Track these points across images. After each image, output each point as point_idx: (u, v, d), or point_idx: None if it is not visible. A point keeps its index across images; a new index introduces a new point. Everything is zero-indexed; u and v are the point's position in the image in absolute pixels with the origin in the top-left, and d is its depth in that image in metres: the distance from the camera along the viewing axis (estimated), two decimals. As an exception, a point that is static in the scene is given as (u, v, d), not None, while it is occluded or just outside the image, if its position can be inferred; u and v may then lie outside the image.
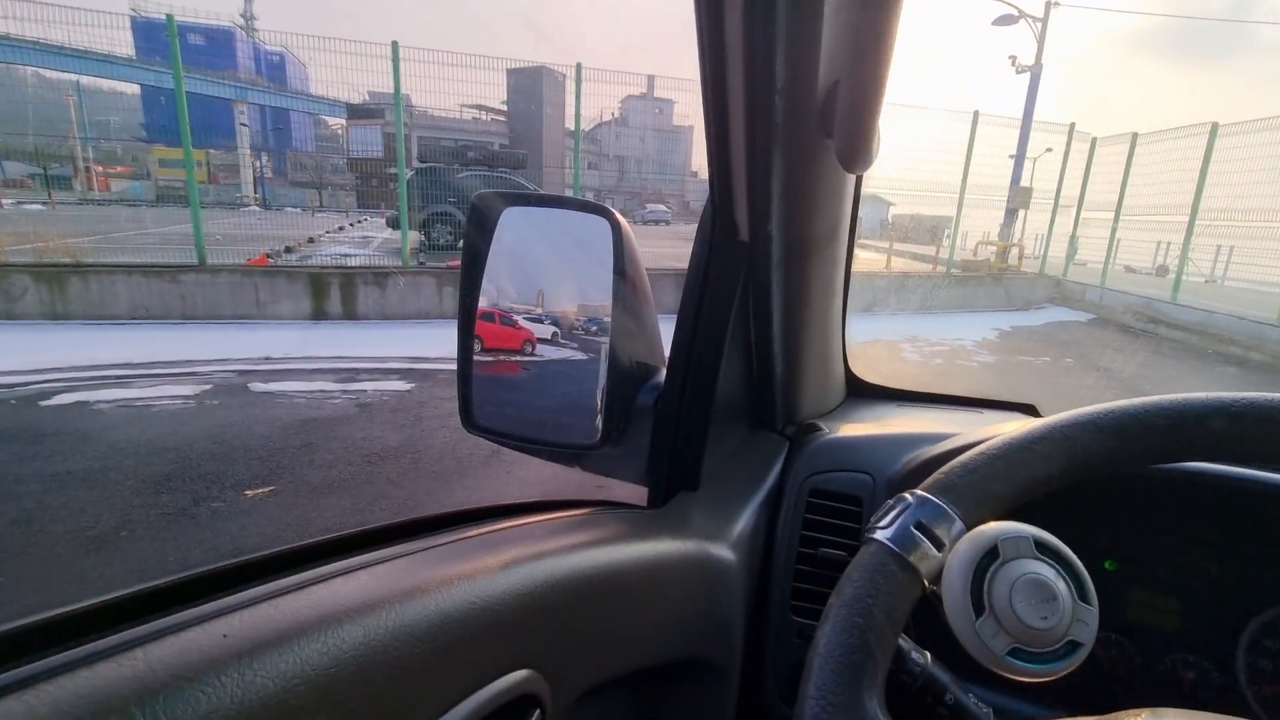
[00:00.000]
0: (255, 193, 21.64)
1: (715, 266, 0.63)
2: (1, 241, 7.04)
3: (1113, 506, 0.63)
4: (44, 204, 19.09)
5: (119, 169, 25.68)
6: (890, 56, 0.42)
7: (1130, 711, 0.30)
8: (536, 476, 3.56)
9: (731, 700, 0.60)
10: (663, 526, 0.57)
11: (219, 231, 10.37)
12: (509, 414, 0.80)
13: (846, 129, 0.43)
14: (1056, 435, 0.39)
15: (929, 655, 0.47)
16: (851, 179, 0.62)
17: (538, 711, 0.38)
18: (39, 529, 2.83)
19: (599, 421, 0.87)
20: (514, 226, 0.79)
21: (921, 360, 7.38)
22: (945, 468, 0.40)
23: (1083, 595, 0.34)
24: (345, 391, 5.00)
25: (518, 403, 0.84)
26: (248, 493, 3.26)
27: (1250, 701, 0.57)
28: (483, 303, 0.79)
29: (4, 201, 18.34)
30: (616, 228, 0.73)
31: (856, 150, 0.44)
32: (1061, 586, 0.34)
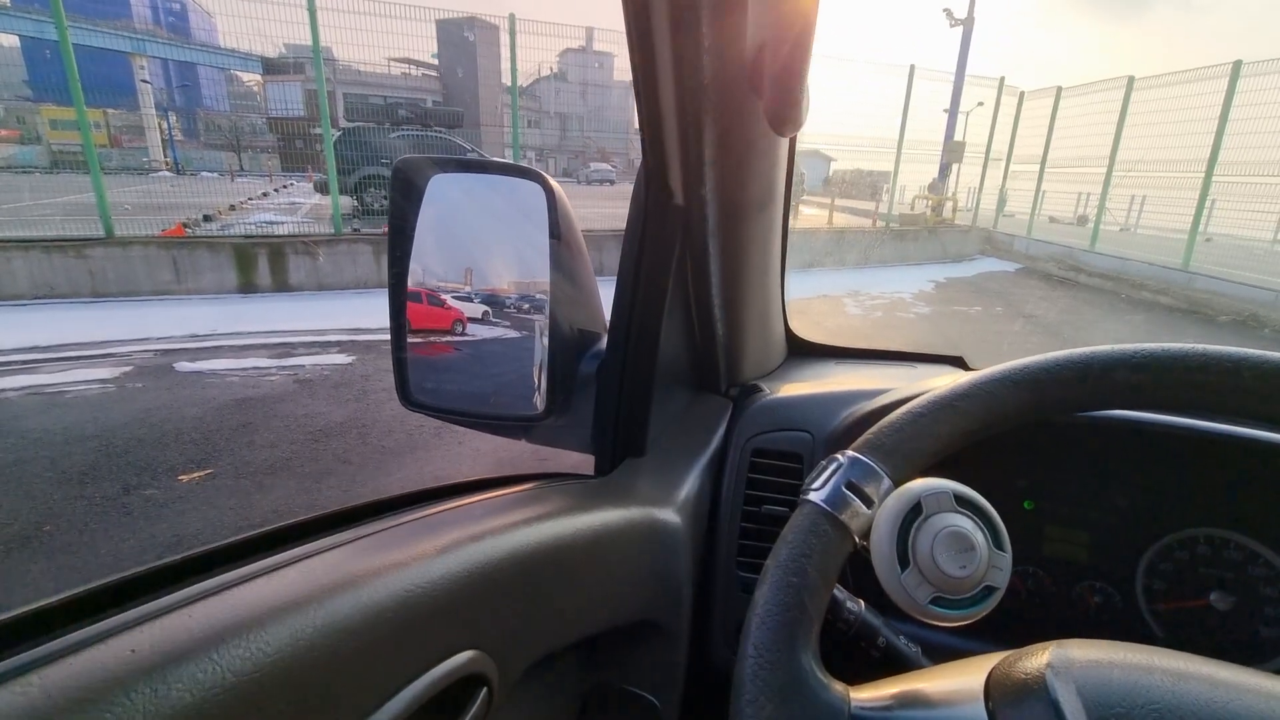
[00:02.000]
0: (165, 156, 19.99)
1: (651, 230, 0.62)
2: None
3: (1032, 451, 0.68)
4: (-84, 172, 17.16)
5: (3, 132, 23.20)
6: (815, 16, 0.41)
7: (1040, 645, 0.32)
8: (489, 446, 3.53)
9: (682, 656, 0.62)
10: (608, 495, 0.58)
11: (127, 200, 9.58)
12: (448, 389, 0.78)
13: (775, 91, 0.42)
14: (977, 392, 0.40)
15: (863, 604, 0.49)
16: (784, 141, 0.61)
17: (485, 690, 0.38)
18: (-52, 529, 2.64)
19: (540, 393, 0.86)
20: (442, 194, 0.76)
21: (863, 314, 7.62)
22: (874, 428, 0.41)
23: (998, 543, 0.37)
24: (282, 367, 4.79)
25: (455, 380, 0.82)
26: (182, 477, 3.11)
27: (1146, 618, 0.63)
28: (408, 281, 0.76)
29: None
30: (550, 192, 0.71)
31: (786, 112, 0.43)
32: (979, 536, 0.36)
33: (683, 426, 0.74)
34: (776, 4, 0.40)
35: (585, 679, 0.56)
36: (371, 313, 6.47)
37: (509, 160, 0.81)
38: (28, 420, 3.73)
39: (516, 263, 0.83)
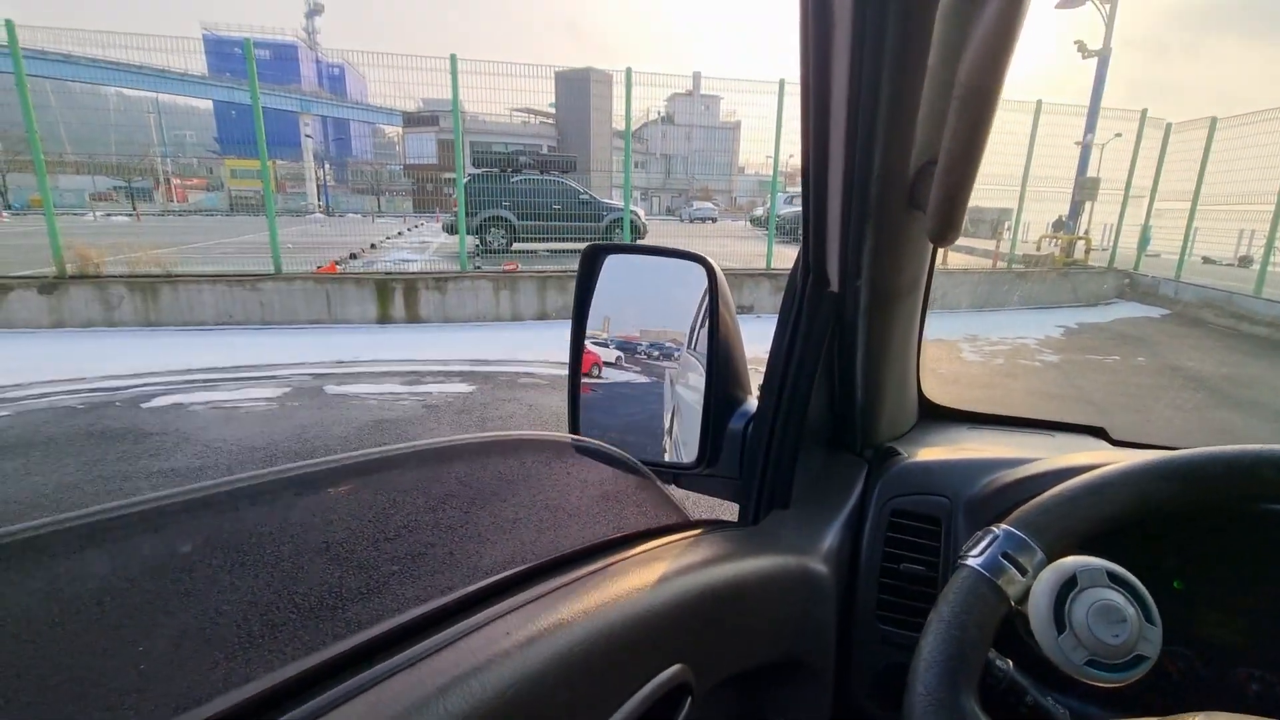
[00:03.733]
0: (319, 200, 22.69)
1: (806, 312, 0.71)
2: (100, 253, 7.65)
3: (1184, 531, 0.68)
4: (129, 215, 20.52)
5: (195, 181, 27.33)
6: (986, 142, 0.45)
7: (1188, 714, 0.37)
8: (597, 479, 3.68)
9: (827, 697, 0.68)
10: (764, 542, 0.66)
11: (288, 240, 10.94)
12: (611, 437, 0.90)
13: (938, 210, 0.50)
14: (1124, 481, 0.45)
15: (1011, 662, 0.54)
16: None
17: (689, 699, 0.47)
18: (152, 521, 3.13)
19: (670, 438, 0.96)
20: (613, 271, 0.89)
21: (981, 360, 7.19)
22: (1027, 506, 0.47)
23: (1148, 618, 0.41)
24: (412, 393, 5.25)
25: (615, 426, 0.94)
26: (330, 491, 3.50)
27: None
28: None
29: (95, 214, 19.82)
30: (712, 273, 0.82)
31: (947, 228, 0.50)
32: (1130, 610, 0.41)
33: (822, 483, 0.81)
34: (949, 131, 0.45)
35: (742, 707, 0.64)
36: (491, 345, 6.95)
37: (678, 247, 0.93)
38: (210, 431, 4.34)
39: (659, 322, 0.95)
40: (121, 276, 7.37)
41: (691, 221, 23.37)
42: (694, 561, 0.54)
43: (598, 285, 0.89)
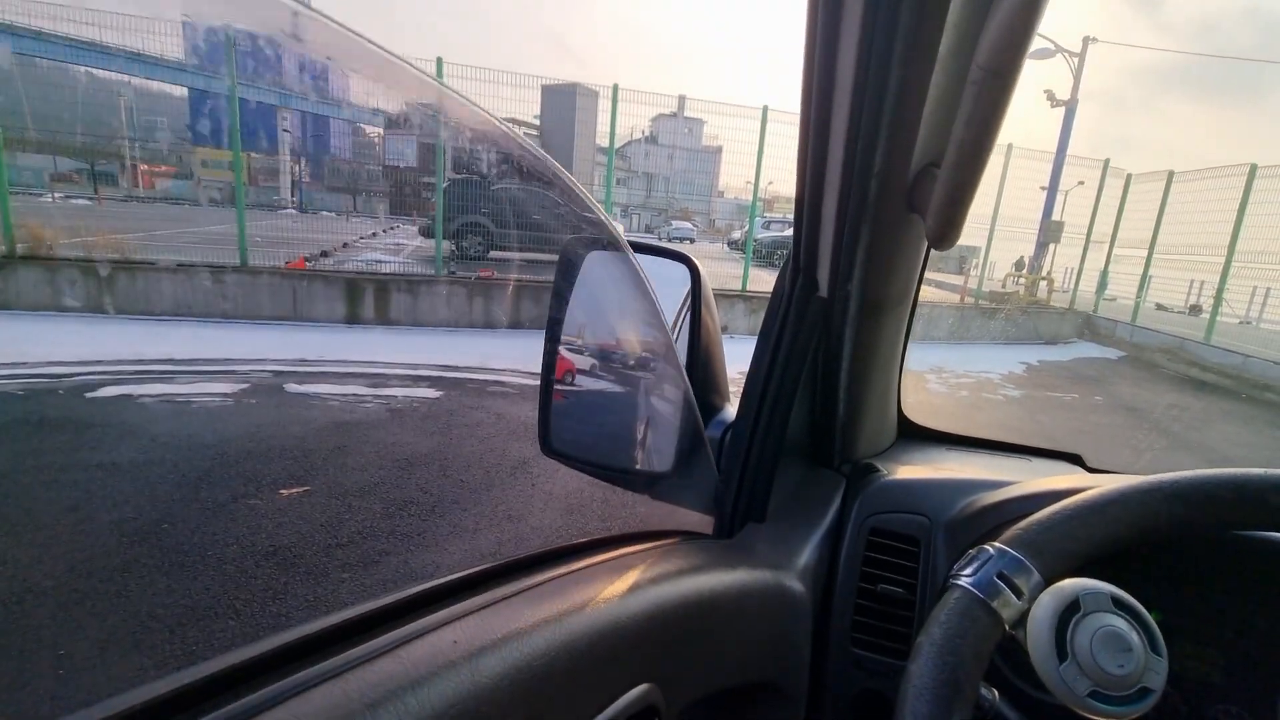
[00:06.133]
0: (293, 196, 22.20)
1: (793, 317, 0.68)
2: (54, 235, 7.33)
3: (1161, 559, 0.67)
4: (91, 199, 19.79)
5: (163, 168, 26.56)
6: (997, 135, 0.43)
7: None
8: (561, 490, 3.61)
9: None
10: (740, 556, 0.62)
11: (258, 234, 10.66)
12: (584, 441, 0.85)
13: (941, 212, 0.47)
14: (1128, 501, 0.43)
15: (996, 693, 0.51)
16: (926, 243, 0.67)
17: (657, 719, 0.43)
18: (86, 517, 2.95)
19: (643, 448, 0.92)
20: (594, 270, 0.86)
21: (947, 392, 7.33)
22: (1023, 524, 0.44)
23: (1154, 648, 0.39)
24: (377, 396, 5.11)
25: (586, 432, 0.90)
26: (283, 492, 3.35)
27: None
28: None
29: (54, 195, 19.06)
30: (695, 273, 0.79)
31: (948, 231, 0.48)
32: (1135, 639, 0.38)
33: (798, 497, 0.78)
34: (956, 131, 0.44)
35: None
36: (462, 351, 6.83)
37: (663, 244, 0.91)
38: (159, 425, 4.15)
39: (637, 328, 0.91)
40: (76, 260, 7.06)
41: (670, 240, 23.59)
42: (666, 571, 0.50)
43: (576, 284, 0.85)
